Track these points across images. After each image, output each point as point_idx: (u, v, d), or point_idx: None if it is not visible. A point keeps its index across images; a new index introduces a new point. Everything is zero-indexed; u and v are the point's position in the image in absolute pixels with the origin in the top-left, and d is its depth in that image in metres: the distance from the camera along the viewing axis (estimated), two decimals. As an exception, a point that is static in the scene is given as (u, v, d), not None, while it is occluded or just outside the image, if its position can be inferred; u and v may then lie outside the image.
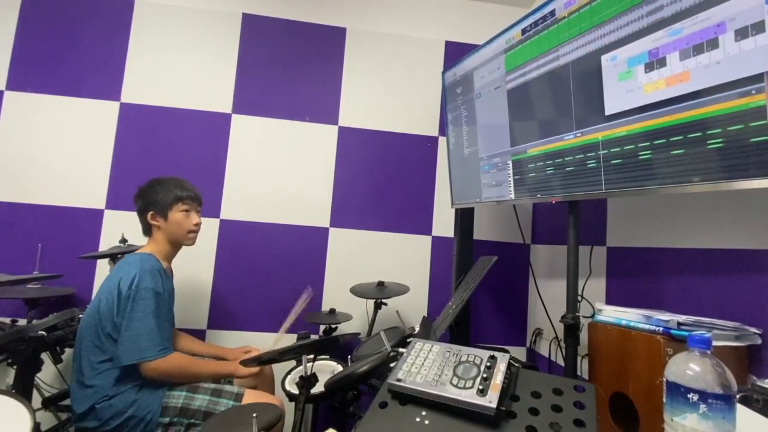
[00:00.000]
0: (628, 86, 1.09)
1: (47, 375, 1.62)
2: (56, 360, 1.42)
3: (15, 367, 1.35)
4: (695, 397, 0.62)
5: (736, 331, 0.97)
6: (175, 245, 1.49)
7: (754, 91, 0.84)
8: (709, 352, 0.65)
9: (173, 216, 1.44)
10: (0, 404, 1.01)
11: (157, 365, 1.26)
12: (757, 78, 0.83)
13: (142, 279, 1.29)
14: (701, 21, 0.92)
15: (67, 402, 1.50)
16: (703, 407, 0.61)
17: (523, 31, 1.43)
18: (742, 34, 0.85)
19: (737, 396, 0.66)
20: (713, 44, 0.90)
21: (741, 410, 0.67)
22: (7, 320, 1.72)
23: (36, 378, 1.41)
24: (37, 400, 1.49)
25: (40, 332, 1.33)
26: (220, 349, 1.65)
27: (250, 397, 1.33)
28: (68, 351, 1.46)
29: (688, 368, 0.65)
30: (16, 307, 1.79)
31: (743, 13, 0.85)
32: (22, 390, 1.31)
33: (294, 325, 1.68)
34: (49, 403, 1.51)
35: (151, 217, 1.44)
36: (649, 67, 1.03)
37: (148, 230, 1.47)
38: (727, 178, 0.90)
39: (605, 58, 1.14)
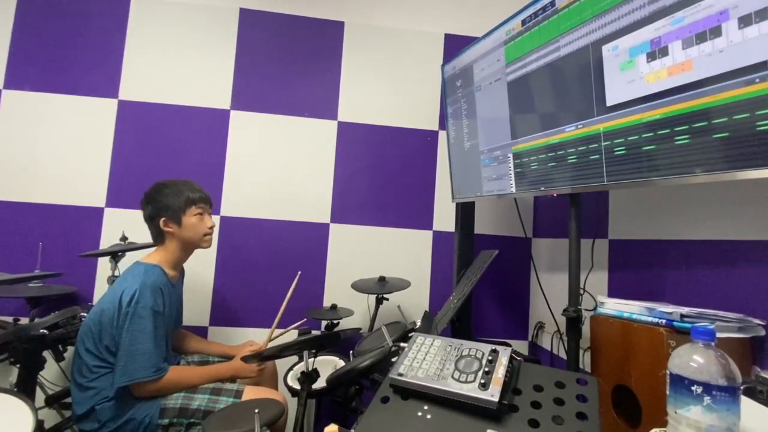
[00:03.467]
0: (629, 76, 1.07)
1: (50, 373, 1.63)
2: (58, 358, 1.42)
3: (18, 365, 1.35)
4: (699, 389, 0.61)
5: (740, 323, 0.96)
6: (189, 250, 1.46)
7: (758, 80, 0.83)
8: (713, 343, 0.64)
9: (187, 220, 1.40)
10: (3, 403, 1.01)
11: (149, 387, 1.24)
12: (762, 66, 0.82)
13: (142, 296, 1.26)
14: (704, 9, 0.91)
15: (70, 400, 1.51)
16: (707, 399, 0.61)
17: (523, 22, 1.42)
18: (745, 21, 0.84)
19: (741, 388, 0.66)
20: (716, 32, 0.89)
21: (745, 402, 0.67)
22: (9, 319, 1.73)
23: (39, 376, 1.42)
24: (40, 398, 1.50)
25: (41, 331, 1.33)
26: (227, 348, 1.65)
27: (250, 393, 1.32)
28: (70, 349, 1.46)
29: (692, 360, 0.64)
30: (18, 306, 1.79)
31: (747, 0, 0.83)
32: (25, 388, 1.31)
33: (287, 315, 1.64)
34: (52, 401, 1.52)
35: (164, 223, 1.38)
36: (651, 57, 1.02)
37: (159, 237, 1.41)
38: (731, 168, 0.89)
39: (606, 48, 1.13)
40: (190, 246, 1.45)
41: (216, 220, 1.98)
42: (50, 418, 1.57)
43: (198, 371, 1.39)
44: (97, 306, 1.32)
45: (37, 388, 1.44)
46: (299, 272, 1.61)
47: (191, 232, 1.41)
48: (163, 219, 1.39)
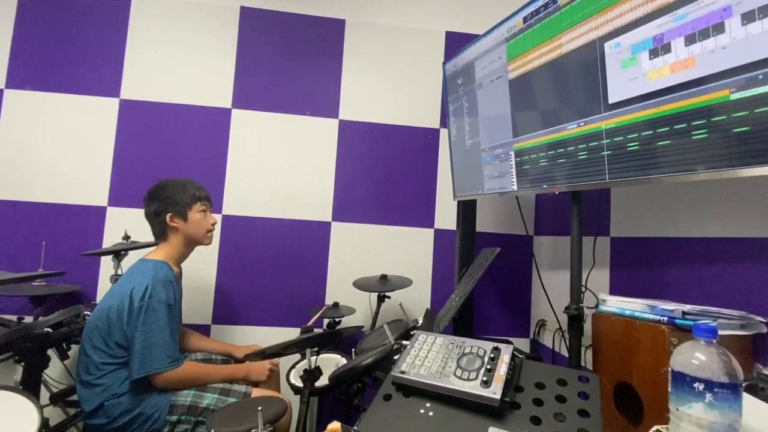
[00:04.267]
0: (632, 74, 1.07)
1: (54, 371, 1.63)
2: (62, 356, 1.43)
3: (22, 363, 1.36)
4: (701, 387, 0.61)
5: (742, 320, 0.96)
6: (191, 246, 1.49)
7: (761, 77, 0.82)
8: (715, 341, 0.64)
9: (193, 216, 1.44)
10: (8, 401, 1.02)
11: (168, 376, 1.26)
12: (764, 63, 0.82)
13: (155, 290, 1.28)
14: (707, 5, 0.90)
15: (75, 397, 1.52)
16: (709, 396, 0.61)
17: (525, 20, 1.41)
18: (748, 17, 0.84)
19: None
20: (719, 29, 0.88)
21: (746, 399, 0.67)
22: (14, 318, 1.74)
23: (44, 374, 1.42)
24: (45, 396, 1.50)
25: (45, 329, 1.34)
26: (230, 347, 1.66)
27: (258, 395, 1.33)
28: (74, 347, 1.47)
29: (694, 357, 0.64)
30: (22, 305, 1.80)
31: (750, -3, 0.83)
32: (30, 386, 1.32)
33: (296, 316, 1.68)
34: (57, 399, 1.53)
35: (170, 218, 1.41)
36: (654, 54, 1.02)
37: (163, 233, 1.44)
38: (733, 166, 0.89)
39: (608, 45, 1.12)
40: (193, 242, 1.47)
41: (218, 218, 1.98)
42: (55, 415, 1.58)
43: (214, 368, 1.42)
44: (103, 303, 1.33)
45: (42, 386, 1.45)
46: (325, 306, 1.75)
47: (196, 227, 1.45)
48: (169, 214, 1.41)
